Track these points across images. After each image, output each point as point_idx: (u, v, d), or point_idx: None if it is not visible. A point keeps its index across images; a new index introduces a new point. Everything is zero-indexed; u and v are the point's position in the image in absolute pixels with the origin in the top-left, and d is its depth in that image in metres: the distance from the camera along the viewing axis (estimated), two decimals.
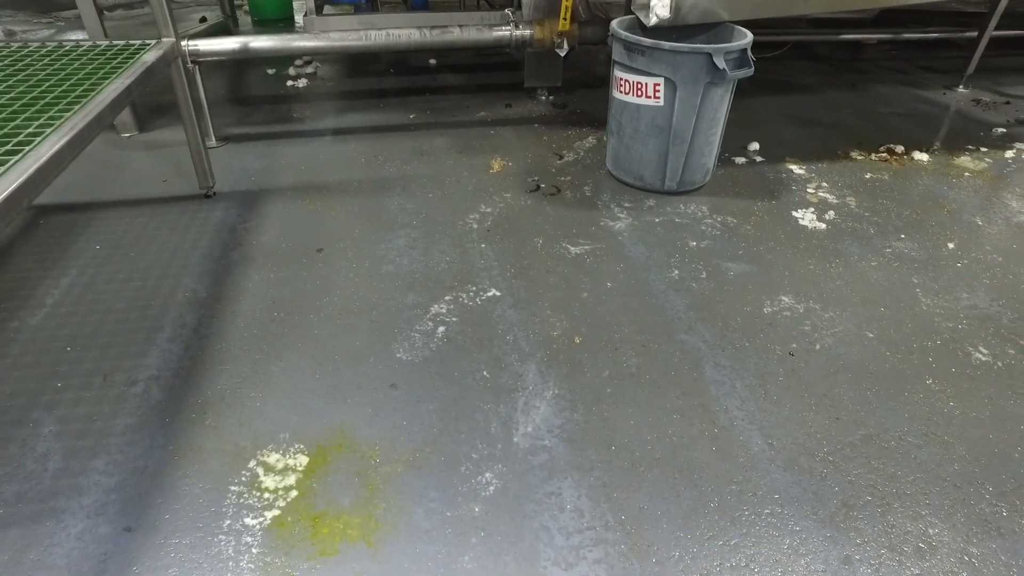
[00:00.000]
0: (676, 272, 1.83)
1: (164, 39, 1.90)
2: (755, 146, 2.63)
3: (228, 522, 1.15)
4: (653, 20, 2.13)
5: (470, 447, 1.30)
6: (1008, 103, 3.19)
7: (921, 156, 2.59)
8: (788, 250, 1.96)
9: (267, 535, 1.13)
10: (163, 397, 1.42)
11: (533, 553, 1.11)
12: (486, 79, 3.41)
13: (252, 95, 3.19)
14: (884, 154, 2.62)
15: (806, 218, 2.14)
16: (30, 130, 1.27)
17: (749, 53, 2.04)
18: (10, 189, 1.03)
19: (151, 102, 2.97)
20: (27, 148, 1.18)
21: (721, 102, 2.11)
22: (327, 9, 3.29)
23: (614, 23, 2.15)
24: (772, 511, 1.18)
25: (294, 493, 1.22)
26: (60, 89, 1.50)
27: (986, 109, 3.12)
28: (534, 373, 1.48)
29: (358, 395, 1.43)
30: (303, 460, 1.28)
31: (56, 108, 1.38)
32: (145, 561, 1.09)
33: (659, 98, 2.05)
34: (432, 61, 3.64)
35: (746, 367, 1.50)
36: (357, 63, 3.66)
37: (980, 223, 2.14)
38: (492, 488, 1.22)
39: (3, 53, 1.77)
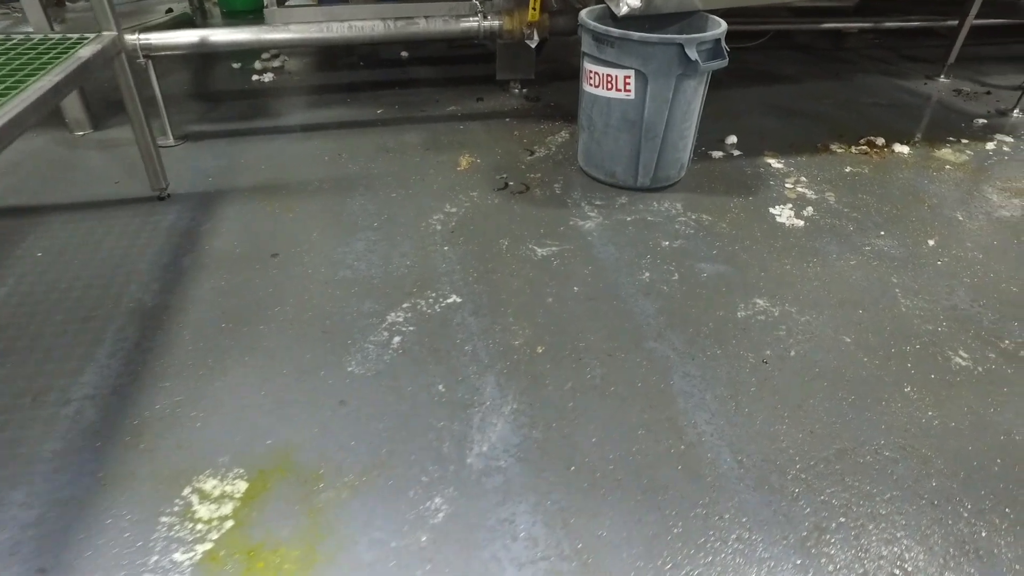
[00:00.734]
0: (647, 274, 1.76)
1: (105, 33, 1.79)
2: (733, 139, 2.56)
3: (155, 558, 1.07)
4: (624, 9, 2.04)
5: (420, 469, 1.22)
6: (989, 93, 3.13)
7: (902, 149, 2.52)
8: (764, 249, 1.89)
9: (197, 572, 1.05)
10: (97, 418, 1.33)
11: None
12: (458, 72, 3.31)
13: (215, 90, 3.07)
14: (864, 147, 2.55)
15: (784, 215, 2.07)
16: None
17: (723, 43, 1.96)
18: None
19: (108, 98, 2.84)
20: None
21: (695, 95, 2.02)
22: None
23: (583, 13, 2.06)
24: (739, 536, 1.11)
25: (230, 523, 1.13)
26: None
27: (967, 99, 3.06)
28: (492, 386, 1.40)
29: (305, 413, 1.34)
30: (242, 486, 1.20)
31: None
32: None
33: (629, 91, 1.97)
34: (404, 54, 3.53)
35: (717, 377, 1.43)
36: (326, 56, 3.54)
37: (960, 218, 2.08)
38: (442, 515, 1.14)
39: None
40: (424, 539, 1.10)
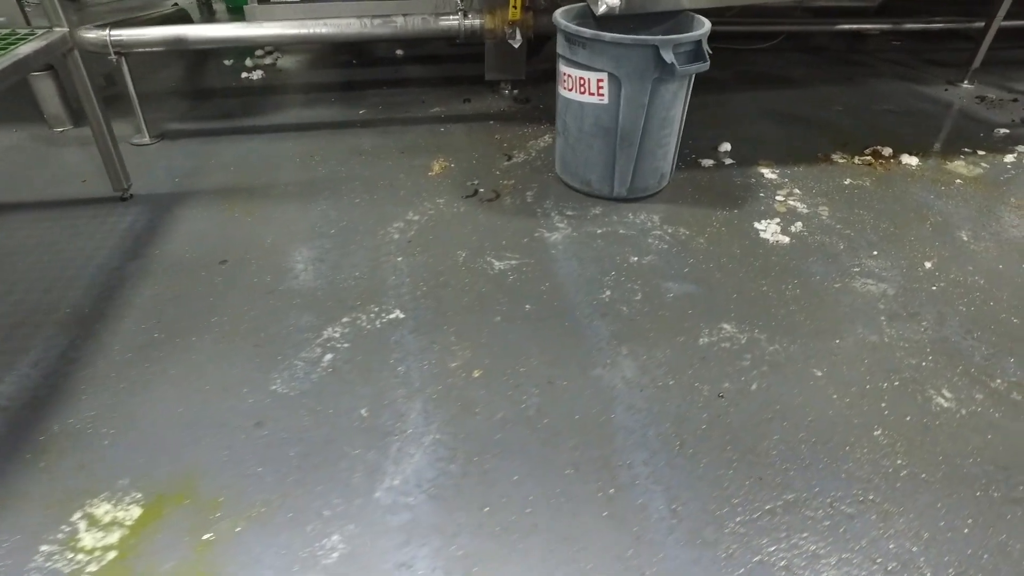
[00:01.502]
0: (607, 293, 1.64)
1: (55, 28, 1.74)
2: (726, 147, 2.41)
3: None
4: (602, 8, 1.92)
5: (324, 502, 1.13)
6: (1016, 100, 2.91)
7: (910, 160, 2.35)
8: (741, 268, 1.75)
9: None
10: (3, 432, 1.27)
11: None
12: (451, 71, 3.22)
13: (202, 88, 3.04)
14: (869, 157, 2.38)
15: (769, 230, 1.92)
16: None
17: (705, 45, 1.83)
18: None
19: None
20: None
21: (674, 100, 1.89)
22: None
23: (557, 12, 1.94)
24: None
25: (113, 554, 1.06)
26: None
27: (990, 107, 2.85)
28: (418, 413, 1.30)
29: (218, 434, 1.27)
30: (135, 512, 1.12)
31: None
32: None
33: (603, 95, 1.85)
34: (399, 52, 3.46)
35: (664, 411, 1.31)
36: (320, 54, 3.49)
37: (965, 238, 1.90)
38: (336, 555, 1.05)
39: None
40: None
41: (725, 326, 1.54)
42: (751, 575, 1.02)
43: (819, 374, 1.41)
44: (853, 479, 1.18)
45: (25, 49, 1.59)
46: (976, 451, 1.24)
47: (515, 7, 2.25)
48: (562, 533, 1.08)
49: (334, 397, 1.34)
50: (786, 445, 1.25)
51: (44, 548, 1.06)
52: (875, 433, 1.28)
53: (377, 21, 2.32)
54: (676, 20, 2.04)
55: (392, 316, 1.56)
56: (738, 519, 1.11)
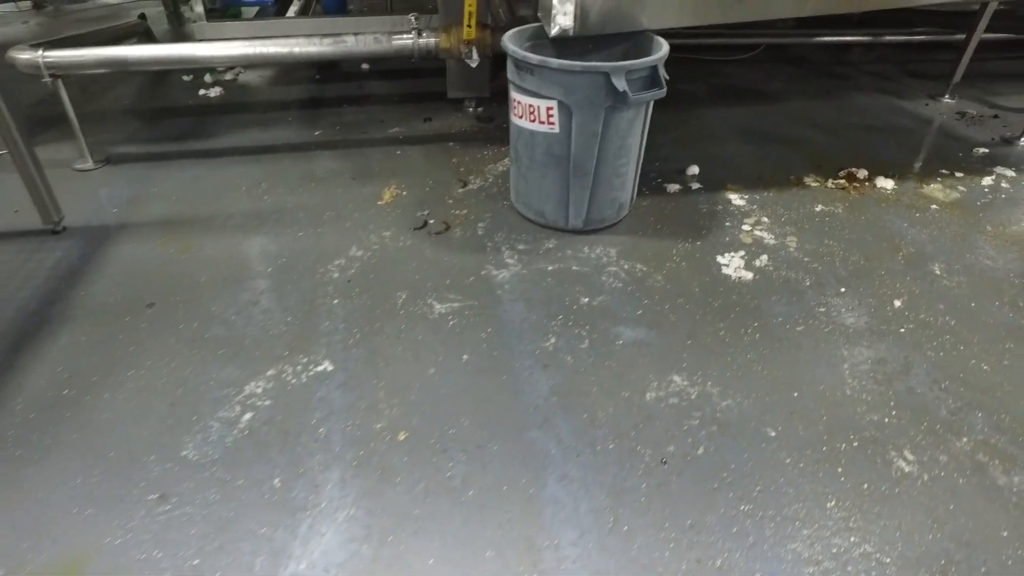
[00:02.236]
0: (552, 340, 1.54)
1: None
2: (694, 170, 2.31)
3: None
4: (555, 30, 1.82)
5: None
6: (996, 116, 2.82)
7: (885, 183, 2.25)
8: (699, 310, 1.65)
9: None
10: None
11: None
12: (415, 87, 3.11)
13: (155, 106, 2.93)
14: (843, 180, 2.28)
15: (732, 265, 1.82)
16: None
17: (661, 70, 1.72)
18: None
19: (40, 114, 2.72)
20: None
21: (630, 128, 1.79)
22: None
23: (507, 35, 1.84)
24: None
25: None
26: None
27: (970, 124, 2.76)
28: (335, 484, 1.20)
29: (115, 512, 1.16)
30: None
31: None
32: None
33: (553, 124, 1.75)
34: (365, 66, 3.35)
35: (601, 482, 1.21)
36: (284, 68, 3.38)
37: (937, 272, 1.81)
38: None
39: None
40: None
41: (676, 378, 1.44)
42: None
43: (773, 435, 1.31)
44: (799, 560, 1.09)
45: None
46: (935, 524, 1.14)
47: (469, 26, 2.15)
48: None
49: (247, 465, 1.24)
50: (730, 519, 1.15)
51: None
52: (828, 504, 1.18)
53: (327, 41, 2.22)
54: (635, 41, 1.94)
55: (320, 368, 1.46)
56: None
